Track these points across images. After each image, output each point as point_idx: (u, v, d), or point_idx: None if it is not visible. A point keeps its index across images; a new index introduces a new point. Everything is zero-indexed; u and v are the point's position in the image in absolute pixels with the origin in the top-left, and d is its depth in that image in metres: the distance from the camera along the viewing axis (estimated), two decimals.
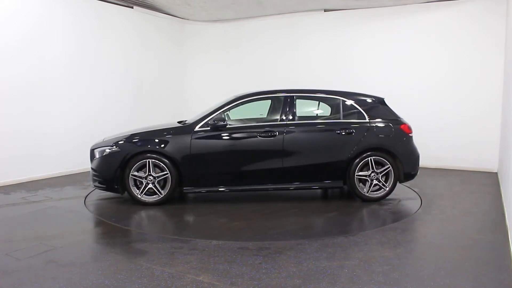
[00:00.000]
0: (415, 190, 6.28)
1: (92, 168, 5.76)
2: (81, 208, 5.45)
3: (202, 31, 10.43)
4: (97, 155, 5.68)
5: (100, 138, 6.33)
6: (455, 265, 3.58)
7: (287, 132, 5.57)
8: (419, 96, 8.39)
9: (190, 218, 5.27)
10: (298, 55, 9.58)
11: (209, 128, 5.56)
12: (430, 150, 7.79)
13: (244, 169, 5.60)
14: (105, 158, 5.58)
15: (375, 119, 5.74)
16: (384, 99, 5.94)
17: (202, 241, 4.15)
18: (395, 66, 8.64)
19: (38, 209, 5.35)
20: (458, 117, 8.15)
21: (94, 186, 5.76)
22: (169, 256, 3.79)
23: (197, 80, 10.53)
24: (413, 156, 5.77)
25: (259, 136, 5.55)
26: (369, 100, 5.89)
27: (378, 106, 5.88)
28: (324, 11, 9.18)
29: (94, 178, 5.71)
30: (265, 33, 9.89)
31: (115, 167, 5.47)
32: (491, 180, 7.22)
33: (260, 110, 6.20)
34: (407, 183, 6.40)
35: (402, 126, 5.75)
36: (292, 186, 5.69)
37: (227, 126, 5.57)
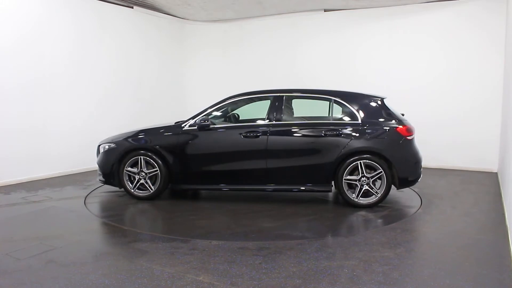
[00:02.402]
0: (415, 190, 6.27)
1: (97, 163, 6.10)
2: (81, 208, 5.45)
3: (202, 31, 10.43)
4: (100, 151, 6.06)
5: (103, 136, 6.65)
6: (455, 265, 3.58)
7: (271, 133, 5.48)
8: (419, 96, 8.39)
9: (166, 215, 5.37)
10: (298, 55, 9.58)
11: (196, 128, 5.66)
12: (430, 150, 7.78)
13: (228, 169, 5.62)
14: (104, 154, 5.95)
15: (368, 120, 5.40)
16: (384, 99, 5.64)
17: (202, 241, 4.15)
18: (395, 66, 8.63)
19: (38, 209, 5.36)
20: (458, 117, 8.15)
21: (98, 180, 6.09)
22: (169, 256, 3.79)
23: (197, 80, 10.53)
24: (411, 161, 5.38)
25: (243, 136, 5.53)
26: (364, 100, 5.58)
27: (373, 106, 5.54)
28: (324, 11, 9.18)
29: (98, 172, 6.07)
30: (265, 33, 9.90)
31: (112, 162, 5.82)
32: (491, 180, 7.22)
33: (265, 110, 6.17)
34: None
35: (398, 128, 5.34)
36: (276, 188, 5.57)
37: (210, 126, 5.63)
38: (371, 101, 5.60)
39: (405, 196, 6.03)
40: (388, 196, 5.60)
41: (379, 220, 4.96)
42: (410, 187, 6.16)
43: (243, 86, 8.71)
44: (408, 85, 8.49)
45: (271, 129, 5.50)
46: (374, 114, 5.48)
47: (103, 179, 5.95)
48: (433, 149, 8.06)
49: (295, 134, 5.49)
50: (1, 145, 6.64)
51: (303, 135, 5.47)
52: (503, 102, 7.26)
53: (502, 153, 6.67)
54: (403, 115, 5.75)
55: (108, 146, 5.94)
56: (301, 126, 5.58)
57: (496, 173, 7.78)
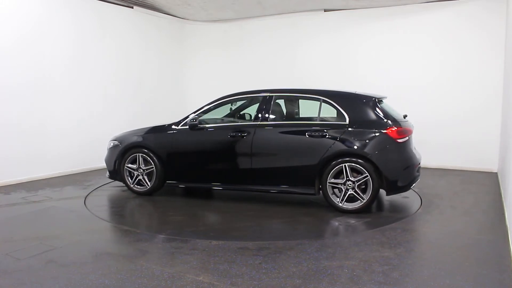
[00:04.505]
0: (415, 190, 6.25)
1: (104, 160, 6.46)
2: (81, 208, 5.45)
3: (202, 31, 10.43)
4: (108, 147, 6.41)
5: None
6: (455, 265, 3.58)
7: (257, 133, 5.44)
8: (419, 96, 8.39)
9: (147, 211, 5.51)
10: (298, 55, 9.57)
11: (187, 128, 5.78)
12: (430, 150, 7.78)
13: (216, 168, 5.72)
14: (109, 151, 6.32)
15: (356, 121, 5.13)
16: (377, 99, 5.35)
17: (202, 241, 4.15)
18: (395, 66, 8.63)
19: (38, 209, 5.35)
20: (458, 117, 8.14)
21: (107, 176, 6.40)
22: (169, 256, 3.79)
23: (197, 80, 10.53)
24: (400, 165, 5.09)
25: (230, 136, 5.54)
26: (354, 100, 5.33)
27: (364, 107, 5.24)
28: (324, 11, 9.18)
29: (107, 168, 6.41)
30: (265, 33, 9.89)
31: (115, 159, 6.15)
32: (491, 180, 7.21)
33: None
34: None
35: (388, 131, 5.01)
36: (260, 188, 5.54)
37: (199, 126, 5.73)
38: (362, 102, 5.31)
39: (405, 196, 6.00)
40: (388, 196, 5.55)
41: (377, 221, 4.95)
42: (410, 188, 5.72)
43: (243, 86, 8.69)
44: (408, 85, 8.48)
45: (257, 129, 5.48)
46: (364, 115, 5.20)
47: (109, 175, 6.30)
48: (433, 149, 8.06)
49: (279, 135, 5.42)
50: (1, 145, 6.63)
51: (288, 136, 5.37)
52: (503, 102, 7.26)
53: (502, 153, 6.67)
54: (405, 116, 5.59)
55: (113, 143, 6.27)
56: (286, 126, 5.51)
57: (496, 173, 7.78)
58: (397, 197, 5.87)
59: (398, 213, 5.32)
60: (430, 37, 8.32)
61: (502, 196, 5.89)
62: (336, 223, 4.87)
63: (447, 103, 8.22)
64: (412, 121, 5.78)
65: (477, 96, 8.00)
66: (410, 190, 6.06)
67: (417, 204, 5.59)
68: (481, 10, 7.87)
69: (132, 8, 8.86)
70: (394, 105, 5.92)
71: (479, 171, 7.93)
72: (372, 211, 5.30)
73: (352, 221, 4.88)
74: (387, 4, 8.46)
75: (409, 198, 5.91)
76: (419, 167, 5.45)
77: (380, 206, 5.61)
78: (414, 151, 5.45)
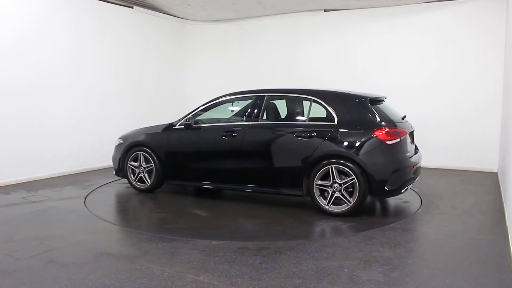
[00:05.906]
0: (415, 190, 6.27)
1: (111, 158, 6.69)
2: (81, 208, 5.45)
3: (202, 31, 10.43)
4: (114, 146, 6.61)
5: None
6: (455, 265, 3.59)
7: (246, 133, 5.46)
8: (419, 96, 8.39)
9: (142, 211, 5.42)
10: (298, 55, 9.57)
11: (183, 127, 5.91)
12: (430, 150, 7.78)
13: (208, 168, 5.79)
14: (115, 149, 6.54)
15: (345, 121, 5.00)
16: (369, 99, 5.16)
17: (202, 241, 4.15)
18: (395, 66, 8.63)
19: (38, 209, 5.35)
20: (458, 117, 8.14)
21: (113, 173, 6.61)
22: (169, 256, 3.79)
23: (197, 80, 10.53)
24: (388, 168, 4.84)
25: (222, 136, 5.57)
26: (345, 100, 5.21)
27: (355, 107, 5.09)
28: (324, 11, 9.18)
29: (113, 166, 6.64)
30: (265, 33, 9.89)
31: (119, 157, 6.38)
32: (491, 180, 7.21)
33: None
34: None
35: (376, 132, 4.84)
36: (249, 188, 5.53)
37: (193, 125, 5.84)
38: (353, 101, 5.16)
39: (404, 196, 5.97)
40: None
41: (382, 220, 4.95)
42: (410, 187, 5.50)
43: (243, 86, 8.69)
44: (408, 85, 8.48)
45: (247, 129, 5.49)
46: (354, 115, 5.06)
47: (115, 172, 6.52)
48: (433, 149, 8.05)
49: (268, 135, 5.39)
50: (1, 145, 6.63)
51: (276, 137, 5.34)
52: (503, 102, 7.26)
53: (502, 153, 6.67)
54: (404, 117, 5.50)
55: (118, 141, 6.50)
56: (275, 127, 5.48)
57: (496, 173, 7.78)
58: (396, 197, 5.86)
59: (398, 213, 5.32)
60: (430, 37, 8.32)
61: (502, 196, 5.89)
62: (335, 223, 4.86)
63: (447, 103, 8.22)
64: (412, 121, 5.75)
65: (477, 96, 8.00)
66: (410, 190, 6.06)
67: (417, 204, 5.59)
68: (481, 10, 7.87)
69: (132, 8, 8.86)
70: (394, 105, 5.90)
71: (479, 171, 7.93)
72: (372, 212, 5.30)
73: (352, 221, 4.87)
74: (387, 4, 8.46)
75: (408, 198, 5.90)
76: (416, 169, 5.28)
77: (379, 206, 5.61)
78: (409, 153, 5.19)
